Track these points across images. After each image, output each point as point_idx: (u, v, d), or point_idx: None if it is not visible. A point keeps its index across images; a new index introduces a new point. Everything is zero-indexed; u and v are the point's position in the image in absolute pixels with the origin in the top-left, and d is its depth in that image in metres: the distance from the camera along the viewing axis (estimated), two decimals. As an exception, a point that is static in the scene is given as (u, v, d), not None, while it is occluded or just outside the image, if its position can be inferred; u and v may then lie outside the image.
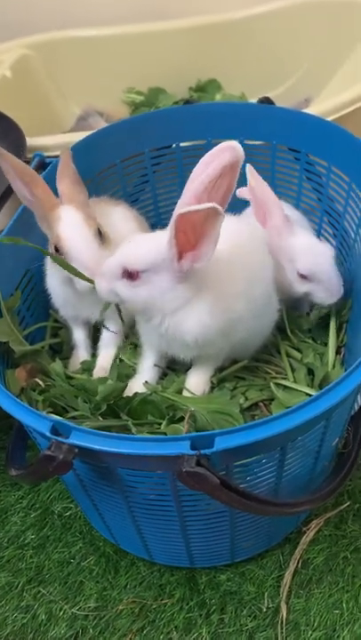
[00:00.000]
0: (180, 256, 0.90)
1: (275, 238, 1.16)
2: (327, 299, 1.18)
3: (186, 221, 0.84)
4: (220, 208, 0.81)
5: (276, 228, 1.17)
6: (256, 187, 1.16)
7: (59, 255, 1.01)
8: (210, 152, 0.89)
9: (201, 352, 1.03)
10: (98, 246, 1.01)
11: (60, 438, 0.74)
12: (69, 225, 1.00)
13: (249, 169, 1.15)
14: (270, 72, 2.16)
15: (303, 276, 1.16)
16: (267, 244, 1.14)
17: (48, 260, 1.11)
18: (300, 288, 1.18)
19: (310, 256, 1.16)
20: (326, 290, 1.17)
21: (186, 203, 0.90)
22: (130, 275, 0.92)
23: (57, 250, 1.01)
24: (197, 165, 0.92)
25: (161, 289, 0.93)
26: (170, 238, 0.88)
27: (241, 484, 0.85)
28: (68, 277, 1.03)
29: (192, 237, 0.87)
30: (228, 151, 0.86)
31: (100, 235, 1.03)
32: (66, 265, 0.99)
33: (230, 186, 0.89)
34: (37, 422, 0.77)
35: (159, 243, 0.91)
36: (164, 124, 1.33)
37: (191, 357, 1.06)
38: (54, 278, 1.12)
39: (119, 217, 1.20)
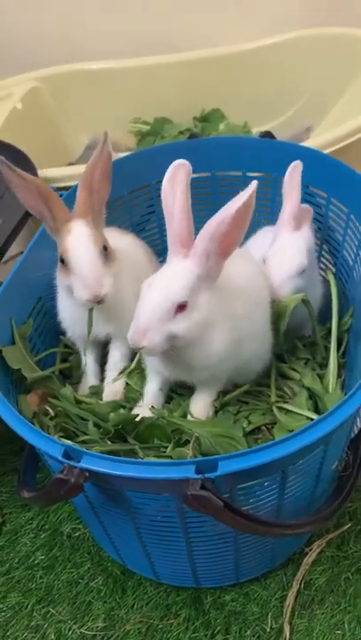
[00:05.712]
0: (207, 259, 0.96)
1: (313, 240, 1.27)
2: None
3: (222, 224, 0.92)
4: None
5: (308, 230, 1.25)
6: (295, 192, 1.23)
7: (63, 265, 1.05)
8: (168, 175, 0.99)
9: (211, 373, 1.07)
10: (102, 263, 1.04)
11: (72, 462, 0.79)
12: (77, 239, 1.04)
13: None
14: (272, 102, 2.23)
15: None
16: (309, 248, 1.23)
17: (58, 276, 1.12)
18: None
19: None
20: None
21: (180, 226, 0.98)
22: (182, 307, 0.95)
23: (62, 260, 1.04)
24: (164, 194, 1.00)
25: (204, 304, 0.98)
26: (201, 250, 0.95)
27: (244, 506, 0.89)
28: (68, 287, 1.06)
29: (225, 237, 0.94)
30: (181, 168, 0.99)
31: (106, 251, 1.06)
32: None
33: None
34: (50, 447, 0.81)
35: (183, 265, 0.97)
36: (171, 157, 1.38)
37: (198, 381, 1.10)
38: (61, 291, 1.14)
39: (128, 245, 1.25)
